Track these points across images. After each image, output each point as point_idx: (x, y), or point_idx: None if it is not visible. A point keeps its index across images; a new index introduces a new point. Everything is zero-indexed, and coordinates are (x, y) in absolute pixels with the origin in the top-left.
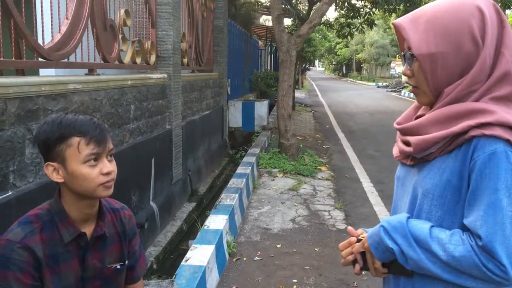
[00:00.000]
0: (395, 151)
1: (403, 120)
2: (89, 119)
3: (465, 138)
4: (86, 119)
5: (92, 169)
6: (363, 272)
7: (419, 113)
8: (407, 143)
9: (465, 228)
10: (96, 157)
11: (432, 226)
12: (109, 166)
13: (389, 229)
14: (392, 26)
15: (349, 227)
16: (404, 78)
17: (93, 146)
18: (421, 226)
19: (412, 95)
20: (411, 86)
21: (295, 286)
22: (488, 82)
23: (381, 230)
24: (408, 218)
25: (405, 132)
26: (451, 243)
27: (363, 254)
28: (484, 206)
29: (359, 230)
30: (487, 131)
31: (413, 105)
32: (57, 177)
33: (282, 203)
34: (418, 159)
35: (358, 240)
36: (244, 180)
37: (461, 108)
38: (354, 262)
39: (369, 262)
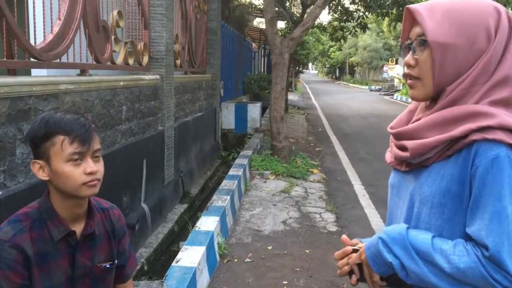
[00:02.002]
0: (388, 157)
1: (397, 124)
2: (75, 118)
3: (465, 143)
4: (72, 118)
5: (76, 168)
6: (360, 284)
7: (415, 117)
8: (402, 148)
9: (467, 238)
10: (80, 157)
11: (433, 237)
12: (92, 166)
13: (388, 241)
14: (379, 30)
15: (343, 236)
16: (396, 81)
17: (76, 145)
18: (423, 237)
19: (404, 98)
20: (408, 79)
21: None
22: (488, 83)
23: (379, 243)
24: (408, 228)
25: (400, 136)
26: (455, 254)
27: (360, 265)
28: (489, 214)
29: (354, 240)
30: (489, 135)
31: (407, 110)
32: (42, 175)
33: (274, 205)
34: (414, 165)
35: (354, 250)
36: (236, 182)
37: (460, 110)
38: (351, 272)
39: (367, 275)
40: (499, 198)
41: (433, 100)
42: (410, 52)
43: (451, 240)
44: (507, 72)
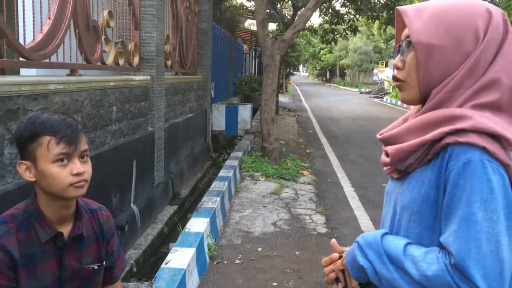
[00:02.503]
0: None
1: (386, 130)
2: (62, 119)
3: (440, 146)
4: (59, 118)
5: (62, 169)
6: None
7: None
8: (387, 154)
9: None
10: (67, 157)
11: (408, 243)
12: (79, 167)
13: (363, 245)
14: (370, 33)
15: (333, 240)
16: (386, 84)
17: (63, 145)
18: (397, 243)
19: (394, 100)
20: (396, 81)
21: None
22: (474, 86)
23: (355, 246)
24: (385, 234)
25: (385, 142)
26: (425, 261)
27: (344, 272)
28: (457, 220)
29: (345, 248)
30: (461, 138)
31: (401, 118)
32: (29, 176)
33: (264, 206)
34: (402, 172)
35: (341, 257)
36: (226, 183)
37: (439, 114)
38: (337, 279)
39: (348, 281)
40: (468, 203)
41: (424, 101)
42: (400, 54)
43: (425, 248)
44: (496, 75)
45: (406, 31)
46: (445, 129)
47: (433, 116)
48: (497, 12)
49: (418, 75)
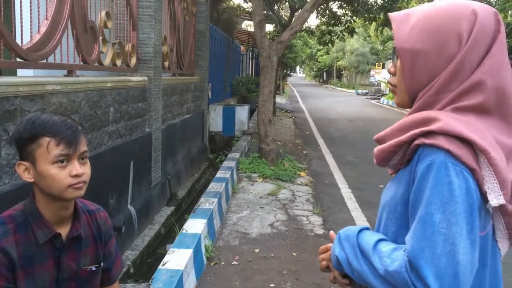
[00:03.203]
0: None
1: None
2: (62, 120)
3: (412, 148)
4: (59, 119)
5: (61, 170)
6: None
7: None
8: None
9: None
10: (66, 159)
11: (381, 240)
12: (78, 168)
13: (342, 238)
14: (366, 35)
15: (331, 232)
16: (383, 86)
17: (62, 147)
18: (370, 238)
19: (390, 102)
20: (391, 86)
21: None
22: (457, 89)
23: (336, 238)
24: (364, 229)
25: (377, 142)
26: (390, 257)
27: None
28: (416, 219)
29: None
30: (427, 140)
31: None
32: (27, 177)
33: (261, 208)
34: (394, 173)
35: None
36: (224, 184)
37: (417, 116)
38: (328, 268)
39: (332, 270)
40: (427, 204)
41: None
42: (392, 60)
43: (398, 245)
44: (479, 78)
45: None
46: (416, 131)
47: (412, 118)
48: (487, 13)
49: (404, 79)
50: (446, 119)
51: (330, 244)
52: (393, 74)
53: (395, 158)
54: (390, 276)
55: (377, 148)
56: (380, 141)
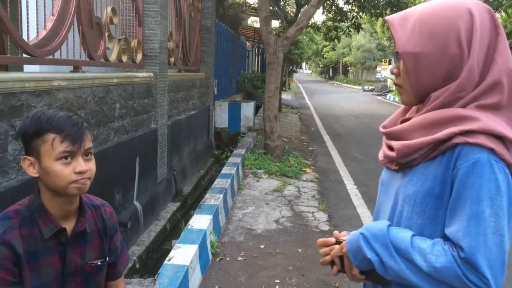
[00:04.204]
0: (381, 155)
1: (389, 123)
2: (68, 116)
3: (449, 145)
4: (65, 116)
5: (65, 167)
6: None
7: (406, 116)
8: (391, 148)
9: (446, 237)
10: (71, 155)
11: (413, 235)
12: (82, 165)
13: (369, 238)
14: (373, 31)
15: (335, 232)
16: (389, 82)
17: (67, 144)
18: (403, 235)
19: (397, 98)
20: (396, 86)
21: (277, 287)
22: (477, 90)
23: (360, 238)
24: (389, 226)
25: (389, 136)
26: (433, 253)
27: (341, 257)
28: (467, 216)
29: (343, 233)
30: (470, 139)
31: (401, 108)
32: (32, 172)
33: (267, 204)
34: (402, 164)
35: (337, 242)
36: (229, 180)
37: (446, 114)
38: (333, 263)
39: (347, 268)
40: (477, 201)
41: (422, 102)
42: (394, 61)
43: (430, 239)
44: (497, 77)
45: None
46: (455, 129)
47: (440, 115)
48: (481, 11)
49: (410, 81)
50: (483, 119)
51: (331, 238)
52: (396, 75)
53: (417, 153)
54: (437, 272)
55: (402, 144)
56: (395, 136)
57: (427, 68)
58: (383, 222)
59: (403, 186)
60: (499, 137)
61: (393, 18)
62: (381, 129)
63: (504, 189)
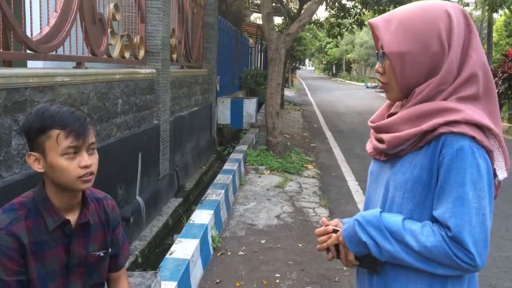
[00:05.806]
0: (369, 148)
1: (377, 118)
2: (71, 112)
3: (434, 135)
4: (68, 111)
5: (70, 162)
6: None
7: (391, 111)
8: (380, 140)
9: (434, 220)
10: (75, 150)
11: (404, 219)
12: (87, 159)
13: (364, 223)
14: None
15: (323, 219)
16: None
17: (72, 139)
18: (395, 219)
19: None
20: (381, 84)
21: (278, 281)
22: (456, 82)
23: (355, 224)
24: (381, 212)
25: (378, 130)
26: (423, 234)
27: (337, 245)
28: (453, 199)
29: (335, 221)
30: (454, 129)
31: (386, 104)
32: (38, 167)
33: (268, 199)
34: (390, 155)
35: (334, 231)
36: (231, 176)
37: (430, 107)
38: (328, 249)
39: (342, 254)
40: (461, 184)
41: (407, 97)
42: (379, 61)
43: (419, 222)
44: (473, 70)
45: (380, 42)
46: (440, 120)
47: (425, 108)
48: (457, 12)
49: (395, 78)
50: (465, 109)
51: (329, 228)
52: (381, 73)
53: (405, 144)
54: (428, 251)
55: (391, 136)
56: (384, 129)
57: (412, 65)
58: (376, 210)
59: (393, 175)
60: (479, 126)
61: (376, 21)
62: (370, 124)
63: (485, 173)
